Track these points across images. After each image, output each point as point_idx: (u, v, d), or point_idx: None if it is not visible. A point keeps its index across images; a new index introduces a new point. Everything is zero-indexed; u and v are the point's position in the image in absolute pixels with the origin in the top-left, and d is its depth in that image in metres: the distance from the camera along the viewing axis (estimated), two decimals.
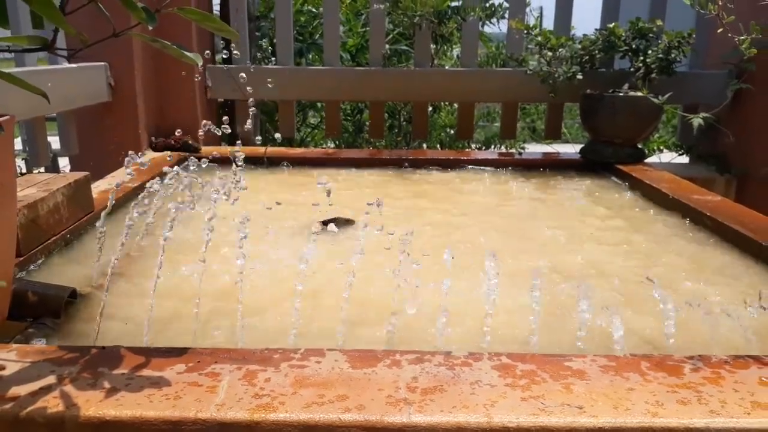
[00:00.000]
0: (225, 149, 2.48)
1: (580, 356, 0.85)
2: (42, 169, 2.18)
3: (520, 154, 2.44)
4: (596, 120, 2.25)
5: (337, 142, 3.55)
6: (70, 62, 0.65)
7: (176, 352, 0.85)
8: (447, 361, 0.83)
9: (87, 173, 1.50)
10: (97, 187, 1.75)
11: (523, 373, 0.80)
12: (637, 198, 1.93)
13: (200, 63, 0.74)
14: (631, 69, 2.32)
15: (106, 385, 0.76)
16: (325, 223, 1.62)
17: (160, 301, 1.04)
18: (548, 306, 1.10)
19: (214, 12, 2.76)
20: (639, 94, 2.16)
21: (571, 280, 1.26)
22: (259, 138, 1.69)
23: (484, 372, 0.80)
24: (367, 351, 0.85)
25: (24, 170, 2.49)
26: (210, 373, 0.79)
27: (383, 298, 1.07)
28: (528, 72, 2.35)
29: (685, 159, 2.90)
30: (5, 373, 0.78)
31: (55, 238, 1.35)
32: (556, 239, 1.52)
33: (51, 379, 0.77)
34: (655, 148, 3.07)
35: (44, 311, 1.02)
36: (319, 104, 3.67)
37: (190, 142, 2.35)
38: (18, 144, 2.29)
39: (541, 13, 2.97)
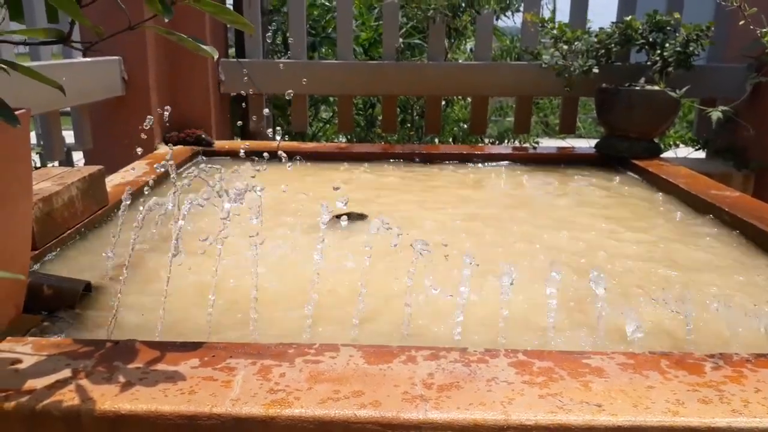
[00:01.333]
0: (238, 143, 2.48)
1: (597, 353, 0.84)
2: (56, 163, 2.19)
3: (535, 148, 2.42)
4: (612, 114, 2.22)
5: (348, 137, 3.54)
6: (85, 56, 0.65)
7: (191, 347, 0.85)
8: (463, 357, 0.82)
9: (101, 167, 1.50)
10: (111, 181, 1.75)
11: (541, 370, 0.79)
12: (653, 193, 1.90)
13: (216, 56, 0.73)
14: (648, 63, 2.29)
15: (122, 379, 0.76)
16: (339, 217, 1.61)
17: (176, 291, 1.04)
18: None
19: (227, 5, 2.76)
20: (656, 88, 2.14)
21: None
22: (277, 134, 1.67)
23: (500, 369, 0.79)
24: (382, 347, 0.84)
25: (38, 164, 2.51)
26: (225, 368, 0.79)
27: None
28: (543, 66, 2.32)
29: (701, 154, 2.86)
30: (21, 366, 0.79)
31: (69, 231, 1.35)
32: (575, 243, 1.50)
33: (66, 373, 0.77)
34: (671, 142, 3.04)
35: (59, 304, 1.03)
36: (331, 99, 3.67)
37: (203, 136, 2.36)
38: (33, 138, 2.31)
39: (554, 7, 2.94)
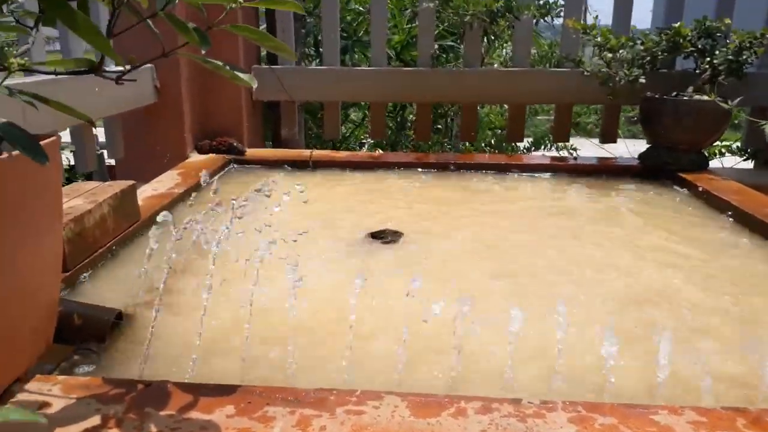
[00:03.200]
0: (270, 152, 2.45)
1: (665, 408, 0.77)
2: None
3: (576, 159, 2.33)
4: (658, 125, 2.13)
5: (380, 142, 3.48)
6: (118, 83, 0.62)
7: (225, 390, 0.80)
8: (517, 411, 0.75)
9: (133, 182, 1.47)
10: (143, 193, 1.73)
11: (603, 428, 0.72)
12: (704, 211, 1.80)
13: (255, 85, 0.68)
14: (697, 70, 2.19)
15: (153, 429, 0.71)
16: (374, 235, 1.56)
17: (210, 320, 1.00)
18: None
19: (259, 14, 2.72)
20: (705, 98, 2.03)
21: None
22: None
23: (559, 426, 0.73)
24: (429, 396, 0.78)
25: (72, 162, 2.50)
26: (262, 417, 0.74)
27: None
28: (585, 73, 2.23)
29: (748, 164, 2.74)
30: (50, 411, 0.75)
31: (101, 250, 1.32)
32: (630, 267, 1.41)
33: (96, 420, 0.73)
34: (716, 151, 2.92)
35: (89, 335, 0.99)
36: (363, 102, 3.61)
37: (235, 144, 2.32)
38: (66, 136, 2.27)
39: (596, 17, 2.83)
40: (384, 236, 1.55)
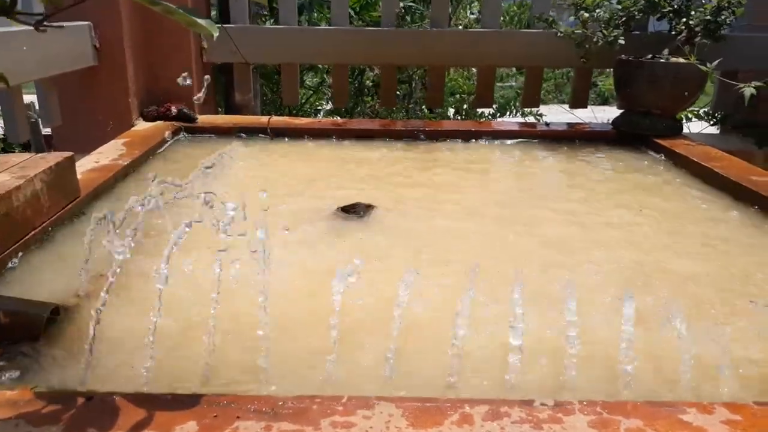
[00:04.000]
0: (223, 119, 2.27)
1: (692, 405, 0.68)
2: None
3: (547, 125, 2.24)
4: (633, 88, 2.05)
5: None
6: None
7: (187, 402, 0.67)
8: (530, 415, 0.65)
9: (70, 154, 1.29)
10: (82, 167, 1.54)
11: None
12: (688, 181, 1.72)
13: (216, 34, 0.54)
14: (672, 32, 2.11)
15: None
16: (345, 209, 1.43)
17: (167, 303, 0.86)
18: None
19: None
20: (681, 60, 1.96)
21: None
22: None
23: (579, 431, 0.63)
24: (427, 401, 0.68)
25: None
26: None
27: None
28: (559, 35, 2.13)
29: (713, 129, 2.71)
30: None
31: (34, 232, 1.15)
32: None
33: None
34: (682, 116, 2.87)
35: (20, 334, 0.84)
36: (320, 66, 3.42)
37: (185, 110, 2.14)
38: None
39: None
40: (356, 210, 1.43)
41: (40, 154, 1.28)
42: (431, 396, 0.69)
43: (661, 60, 1.99)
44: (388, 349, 0.80)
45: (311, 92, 3.75)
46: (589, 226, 1.38)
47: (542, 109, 3.00)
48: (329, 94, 3.56)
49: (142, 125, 2.06)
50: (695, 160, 1.75)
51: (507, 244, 1.28)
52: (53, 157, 1.26)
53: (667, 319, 0.83)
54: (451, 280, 1.03)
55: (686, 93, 1.97)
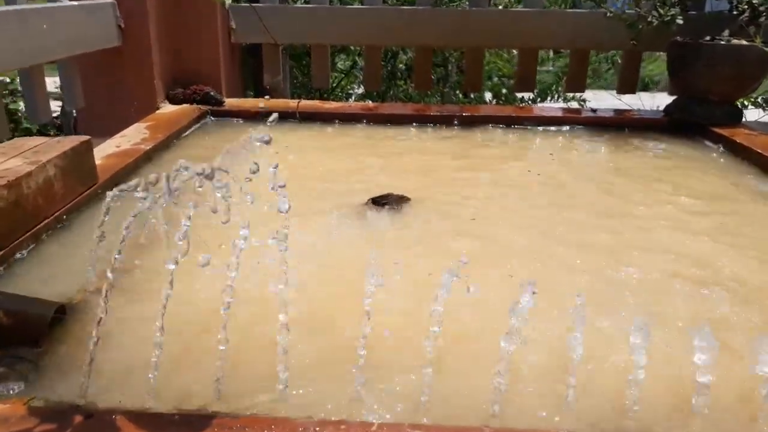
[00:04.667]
0: (251, 102, 2.18)
1: None
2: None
3: (594, 111, 2.10)
4: (689, 73, 1.89)
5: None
6: None
7: (197, 423, 0.59)
8: None
9: (87, 138, 1.22)
10: (103, 150, 1.48)
11: None
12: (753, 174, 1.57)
13: (229, 2, 0.44)
14: (733, 12, 1.95)
15: None
16: (376, 201, 1.34)
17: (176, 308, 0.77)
18: None
19: None
20: (744, 42, 1.80)
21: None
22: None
23: None
24: (468, 430, 0.58)
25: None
26: None
27: None
28: (608, 15, 1.98)
29: None
30: None
31: (47, 221, 1.08)
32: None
33: None
34: (737, 104, 2.69)
35: (23, 337, 0.77)
36: (352, 47, 3.31)
37: (212, 93, 2.06)
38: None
39: None
40: (387, 202, 1.33)
41: (56, 139, 1.21)
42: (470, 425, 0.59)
43: (722, 42, 1.83)
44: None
45: (342, 75, 3.64)
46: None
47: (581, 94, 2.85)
48: (360, 77, 3.45)
49: (167, 108, 1.99)
50: (759, 151, 1.60)
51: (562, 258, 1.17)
52: (69, 141, 1.19)
53: None
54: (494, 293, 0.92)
55: (748, 78, 1.81)
